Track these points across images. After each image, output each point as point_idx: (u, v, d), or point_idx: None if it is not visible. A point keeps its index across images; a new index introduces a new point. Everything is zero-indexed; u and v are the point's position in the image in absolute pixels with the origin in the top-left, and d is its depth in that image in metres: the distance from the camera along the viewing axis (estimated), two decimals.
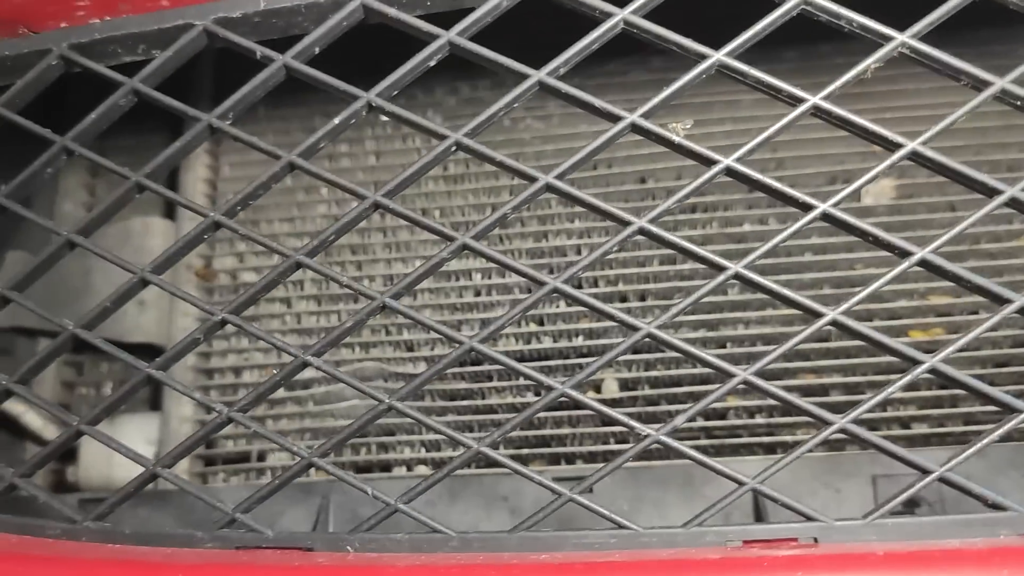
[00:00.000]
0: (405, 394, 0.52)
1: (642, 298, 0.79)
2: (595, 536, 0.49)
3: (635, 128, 0.53)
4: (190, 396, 0.55)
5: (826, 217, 0.52)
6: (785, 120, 0.52)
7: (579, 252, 0.81)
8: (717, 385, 0.75)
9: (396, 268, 0.82)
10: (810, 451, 0.52)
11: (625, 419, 0.50)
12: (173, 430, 0.79)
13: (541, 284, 0.52)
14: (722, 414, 0.77)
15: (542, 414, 0.77)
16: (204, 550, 0.52)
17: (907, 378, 0.50)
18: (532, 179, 0.52)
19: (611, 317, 0.52)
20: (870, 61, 0.51)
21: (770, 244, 0.51)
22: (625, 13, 0.51)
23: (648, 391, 0.77)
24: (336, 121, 0.54)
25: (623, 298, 0.79)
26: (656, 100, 0.52)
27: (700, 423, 0.76)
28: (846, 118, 0.52)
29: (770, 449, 0.74)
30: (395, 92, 0.55)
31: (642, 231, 0.52)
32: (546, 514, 0.50)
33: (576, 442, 0.77)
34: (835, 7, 0.50)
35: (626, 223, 0.52)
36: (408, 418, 0.52)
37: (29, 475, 0.57)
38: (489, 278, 0.81)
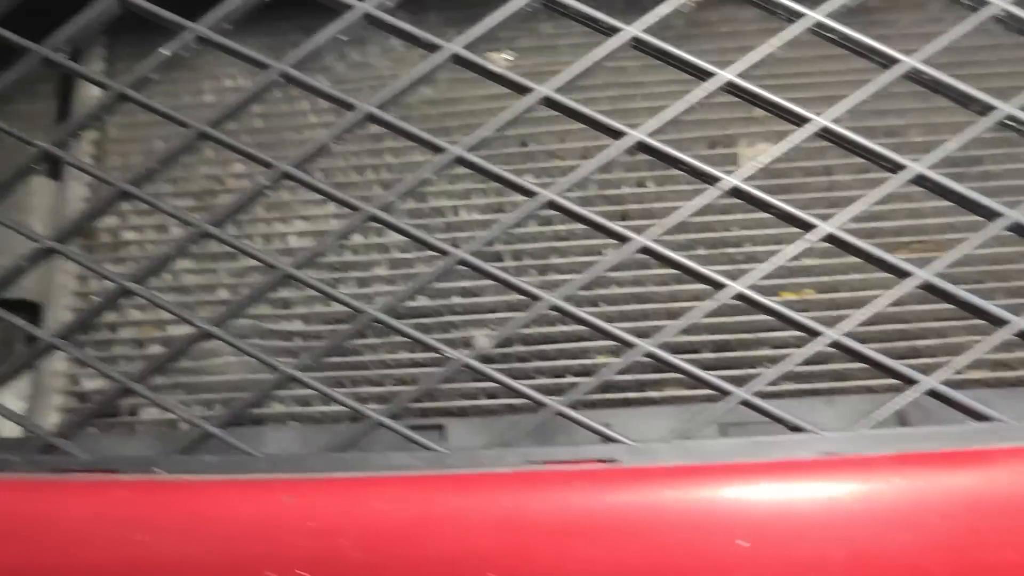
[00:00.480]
0: (220, 318, 0.52)
1: (517, 257, 0.80)
2: (399, 457, 0.49)
3: (456, 59, 0.53)
4: (12, 320, 0.55)
5: (641, 146, 0.52)
6: (603, 49, 0.53)
7: (457, 213, 0.82)
8: (596, 344, 0.77)
9: (276, 227, 0.82)
10: (620, 378, 0.52)
11: (431, 340, 0.51)
12: (43, 383, 0.78)
13: (356, 210, 0.52)
14: (590, 371, 0.77)
15: (415, 370, 0.77)
16: (15, 473, 0.52)
17: (711, 304, 0.50)
18: (350, 107, 0.53)
19: (424, 243, 0.52)
20: None
21: (581, 172, 0.52)
22: None
23: (520, 348, 0.77)
24: (165, 52, 0.55)
25: (498, 256, 0.80)
26: (477, 31, 0.53)
27: (571, 379, 0.76)
28: (663, 49, 0.53)
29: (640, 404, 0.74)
30: (228, 26, 0.55)
31: (460, 160, 0.53)
32: (352, 437, 0.51)
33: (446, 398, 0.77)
34: None
35: (440, 150, 0.52)
36: (224, 342, 0.52)
37: None
38: (366, 237, 0.81)
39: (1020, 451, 0.45)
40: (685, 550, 0.43)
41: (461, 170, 0.52)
